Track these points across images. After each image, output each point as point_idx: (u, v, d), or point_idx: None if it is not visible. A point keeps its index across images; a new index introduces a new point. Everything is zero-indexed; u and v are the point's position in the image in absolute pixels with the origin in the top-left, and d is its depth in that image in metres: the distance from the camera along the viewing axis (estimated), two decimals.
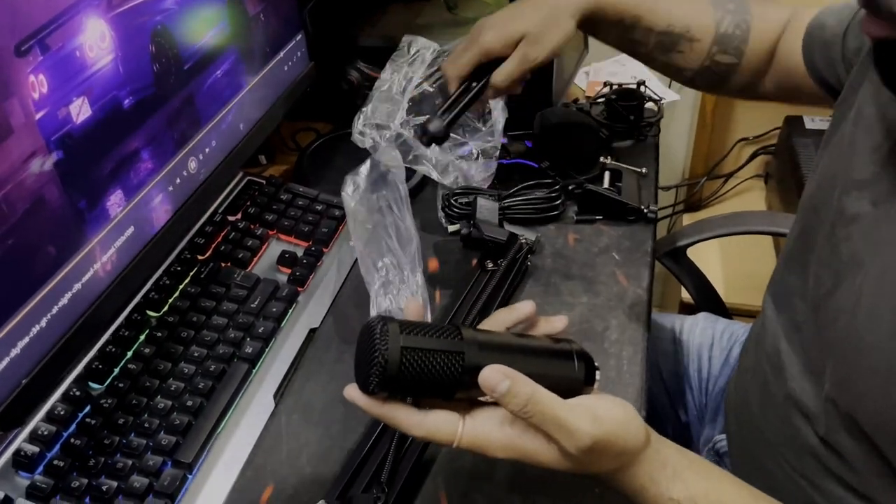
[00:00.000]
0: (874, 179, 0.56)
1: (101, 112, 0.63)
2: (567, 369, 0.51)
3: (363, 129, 0.95)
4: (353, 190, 0.84)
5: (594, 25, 0.82)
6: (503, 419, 0.48)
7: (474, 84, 0.82)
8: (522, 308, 0.57)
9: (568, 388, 0.50)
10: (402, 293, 0.78)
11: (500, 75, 0.80)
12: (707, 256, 1.48)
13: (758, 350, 0.74)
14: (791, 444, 0.66)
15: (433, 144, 0.83)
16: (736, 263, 1.50)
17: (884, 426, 0.55)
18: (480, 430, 0.48)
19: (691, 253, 1.12)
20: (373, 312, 0.76)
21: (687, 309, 1.42)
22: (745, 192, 1.65)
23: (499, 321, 0.56)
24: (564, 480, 0.63)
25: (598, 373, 0.52)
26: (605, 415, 0.48)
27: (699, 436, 0.96)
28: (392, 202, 0.84)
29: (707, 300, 1.19)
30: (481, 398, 0.50)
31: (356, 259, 0.86)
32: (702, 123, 1.58)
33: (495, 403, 0.49)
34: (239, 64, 0.85)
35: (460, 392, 0.48)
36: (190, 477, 0.64)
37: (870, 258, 0.56)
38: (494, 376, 0.47)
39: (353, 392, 0.49)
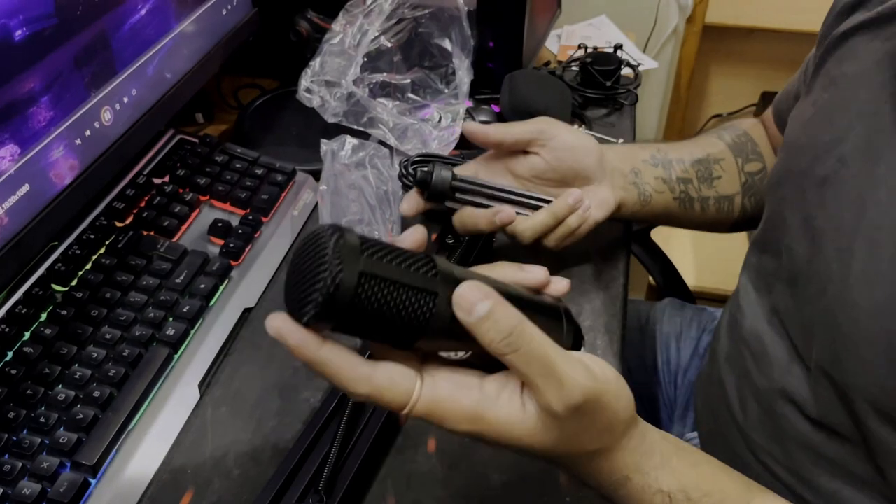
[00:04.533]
0: (840, 139, 0.56)
1: None
2: (556, 333, 0.41)
3: (310, 86, 0.85)
4: (331, 155, 0.76)
5: (639, 171, 0.73)
6: (470, 381, 0.39)
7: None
8: (535, 274, 0.44)
9: None
10: None
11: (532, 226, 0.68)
12: (678, 238, 1.43)
13: (733, 337, 0.69)
14: (777, 436, 0.62)
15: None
16: (707, 246, 1.45)
17: (885, 400, 0.50)
18: (442, 392, 0.38)
19: (661, 235, 1.05)
20: None
21: (654, 293, 1.36)
22: None
23: (499, 273, 0.43)
24: (529, 489, 0.56)
25: (583, 343, 0.43)
26: (599, 372, 0.39)
27: (671, 432, 0.90)
28: (379, 162, 0.77)
29: (672, 284, 1.13)
30: (443, 354, 0.40)
31: (300, 231, 0.78)
32: (675, 98, 1.52)
33: (458, 362, 0.39)
34: (166, 3, 0.74)
35: (423, 341, 0.37)
36: (93, 482, 0.54)
37: (853, 219, 0.53)
38: (473, 294, 0.36)
39: (280, 322, 0.35)
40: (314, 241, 0.35)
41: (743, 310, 0.67)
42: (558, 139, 0.68)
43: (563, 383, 0.37)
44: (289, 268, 0.37)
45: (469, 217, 0.67)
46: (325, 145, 0.77)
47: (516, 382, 0.39)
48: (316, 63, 0.86)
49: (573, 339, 0.42)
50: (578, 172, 0.69)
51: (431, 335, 0.37)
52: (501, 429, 0.39)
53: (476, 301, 0.36)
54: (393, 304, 0.35)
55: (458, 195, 0.67)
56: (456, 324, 0.37)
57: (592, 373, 0.39)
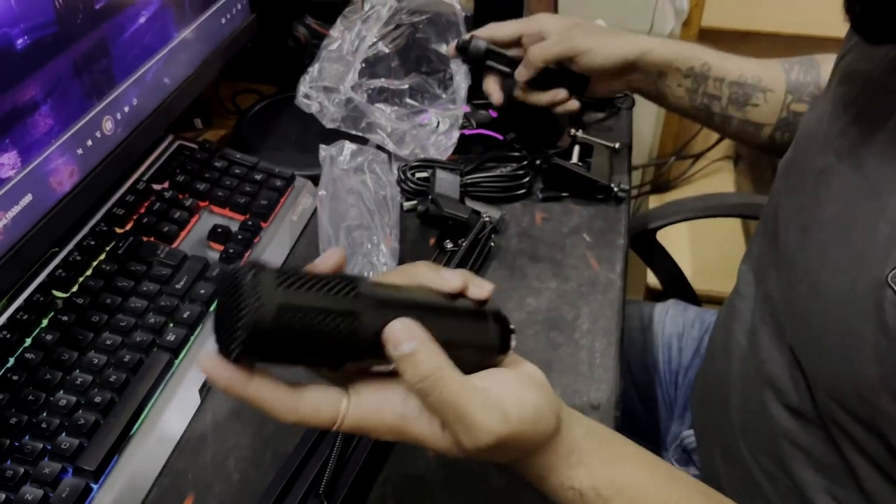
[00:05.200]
0: (840, 133, 0.57)
1: None
2: (480, 335, 0.43)
3: (309, 92, 0.86)
4: (330, 160, 0.76)
5: (665, 75, 0.83)
6: (395, 397, 0.41)
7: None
8: (450, 282, 0.44)
9: (479, 359, 0.43)
10: (373, 255, 0.70)
11: (540, 52, 0.84)
12: (675, 241, 1.43)
13: (729, 327, 0.70)
14: (763, 427, 0.63)
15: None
16: (705, 248, 1.45)
17: (841, 388, 0.52)
18: (367, 408, 0.40)
19: (661, 236, 1.06)
20: None
21: (653, 295, 1.36)
22: (714, 173, 1.61)
23: (412, 276, 0.45)
24: (528, 492, 0.56)
25: (513, 337, 0.45)
26: (514, 411, 0.41)
27: (668, 432, 0.90)
28: (378, 168, 0.78)
29: (676, 286, 1.13)
30: (375, 368, 0.41)
31: (299, 236, 0.78)
32: None
33: (387, 375, 0.41)
34: (166, 11, 0.75)
35: (351, 362, 0.39)
36: (95, 487, 0.55)
37: (835, 212, 0.54)
38: (401, 334, 0.38)
39: (209, 364, 0.37)
40: (232, 280, 0.36)
41: (741, 298, 0.69)
42: (586, 56, 0.82)
43: (473, 429, 0.39)
44: (216, 307, 0.38)
45: (486, 84, 0.88)
46: (324, 151, 0.78)
47: None
48: (314, 69, 0.86)
49: (500, 340, 0.44)
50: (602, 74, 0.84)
51: (358, 355, 0.39)
52: (423, 441, 0.41)
53: (402, 340, 0.38)
54: (315, 330, 0.36)
55: (488, 62, 0.87)
56: (381, 344, 0.39)
57: (507, 417, 0.40)
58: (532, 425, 0.41)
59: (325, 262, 0.41)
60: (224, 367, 0.37)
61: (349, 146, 0.78)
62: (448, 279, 0.44)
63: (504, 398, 0.41)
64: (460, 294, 0.44)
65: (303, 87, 0.85)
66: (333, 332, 0.37)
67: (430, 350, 0.39)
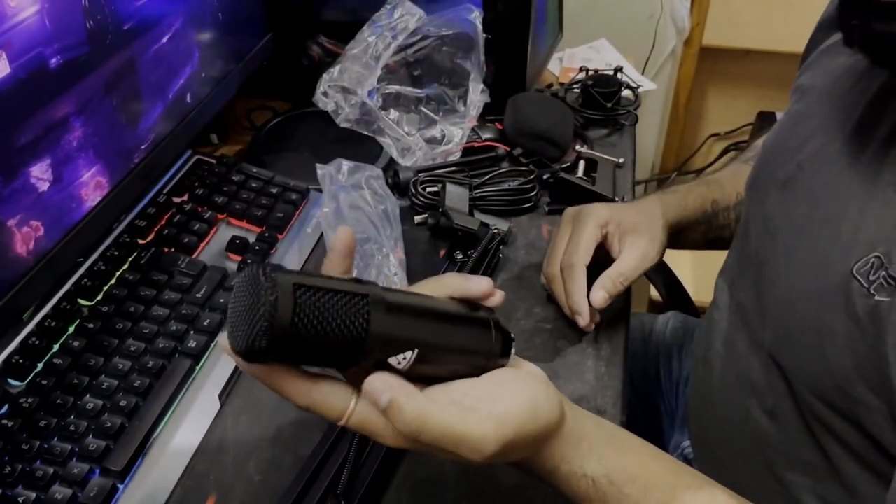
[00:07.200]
0: (801, 146, 0.60)
1: (23, 71, 0.56)
2: (483, 341, 0.45)
3: (327, 90, 0.88)
4: (329, 178, 0.78)
5: (683, 231, 0.80)
6: None
7: None
8: (479, 285, 0.46)
9: (483, 362, 0.45)
10: (384, 267, 0.72)
11: (626, 269, 0.72)
12: (675, 254, 1.45)
13: (711, 338, 0.72)
14: (746, 432, 0.65)
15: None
16: (705, 262, 1.47)
17: (819, 383, 0.54)
18: (374, 413, 0.41)
19: None
20: None
21: (656, 307, 1.38)
22: None
23: (443, 284, 0.47)
24: (540, 491, 0.58)
25: (513, 345, 0.47)
26: (507, 412, 0.42)
27: (670, 440, 0.92)
28: (375, 183, 0.79)
29: (677, 299, 1.15)
30: (392, 360, 0.42)
31: (314, 247, 0.80)
32: (674, 117, 1.56)
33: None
34: (188, 30, 0.77)
35: (362, 360, 0.40)
36: (121, 487, 0.57)
37: (800, 218, 0.57)
38: (378, 386, 0.40)
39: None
40: (249, 280, 0.37)
41: (717, 309, 0.71)
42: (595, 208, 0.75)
43: (473, 446, 0.40)
44: (230, 308, 0.38)
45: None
46: (322, 169, 0.78)
47: None
48: (335, 69, 0.88)
49: (502, 346, 0.46)
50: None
51: (367, 354, 0.39)
52: (432, 451, 0.41)
53: (380, 392, 0.39)
54: (330, 321, 0.37)
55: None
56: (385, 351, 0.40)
57: (503, 419, 0.41)
58: (531, 416, 0.43)
59: (338, 240, 0.45)
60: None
61: (346, 164, 0.79)
62: (476, 282, 0.46)
63: (496, 401, 0.42)
64: (472, 304, 0.46)
65: (322, 86, 0.87)
66: (347, 322, 0.38)
67: (408, 393, 0.40)
